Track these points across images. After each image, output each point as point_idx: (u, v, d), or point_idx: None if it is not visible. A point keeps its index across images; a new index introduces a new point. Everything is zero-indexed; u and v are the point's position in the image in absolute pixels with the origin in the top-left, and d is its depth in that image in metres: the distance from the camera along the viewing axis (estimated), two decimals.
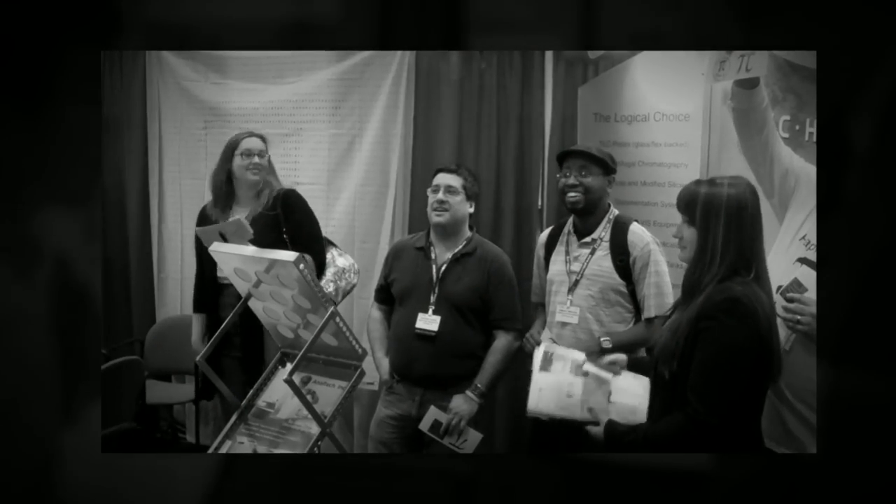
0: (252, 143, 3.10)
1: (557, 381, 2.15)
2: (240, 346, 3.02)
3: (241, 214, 3.03)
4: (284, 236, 3.01)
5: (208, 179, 3.29)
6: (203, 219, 3.18)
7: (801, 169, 2.30)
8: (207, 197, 4.13)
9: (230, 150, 3.12)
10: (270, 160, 3.17)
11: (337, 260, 3.24)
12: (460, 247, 2.84)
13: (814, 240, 2.14)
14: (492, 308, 2.80)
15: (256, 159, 3.07)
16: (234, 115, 4.04)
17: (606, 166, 2.68)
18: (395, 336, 2.88)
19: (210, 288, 3.12)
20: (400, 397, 2.84)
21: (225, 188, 3.12)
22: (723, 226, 1.82)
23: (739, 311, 1.77)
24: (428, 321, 2.76)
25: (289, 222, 3.05)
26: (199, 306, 3.24)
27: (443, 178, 2.84)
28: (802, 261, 2.16)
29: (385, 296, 2.96)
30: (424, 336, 2.76)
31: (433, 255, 2.84)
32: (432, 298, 2.78)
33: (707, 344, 1.78)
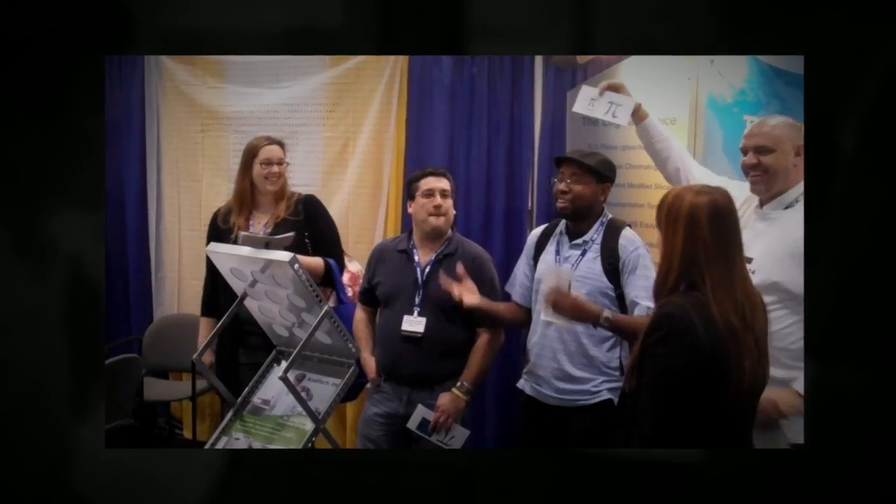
0: (271, 153, 3.05)
1: None
2: (263, 346, 2.90)
3: (261, 220, 3.05)
4: (306, 241, 3.01)
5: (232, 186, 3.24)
6: (214, 226, 3.14)
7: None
8: (205, 199, 4.23)
9: (250, 156, 3.07)
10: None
11: (349, 265, 3.26)
12: (442, 248, 2.85)
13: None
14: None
15: (275, 168, 3.04)
16: (230, 119, 4.12)
17: (600, 175, 2.66)
18: (380, 337, 2.89)
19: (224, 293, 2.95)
20: (387, 396, 2.85)
21: (249, 196, 3.09)
22: (681, 236, 1.76)
23: (671, 327, 1.71)
24: (413, 323, 2.77)
25: (312, 227, 3.04)
26: (208, 310, 3.18)
27: (436, 182, 2.85)
28: None
29: (369, 298, 2.97)
30: (410, 338, 2.78)
31: (416, 258, 2.85)
32: (417, 300, 2.80)
33: (649, 366, 1.73)
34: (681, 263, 1.76)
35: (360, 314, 3.01)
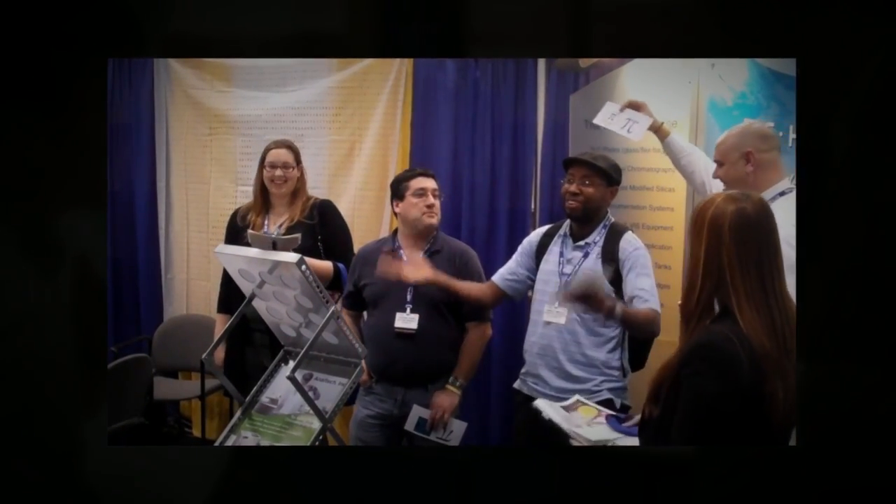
0: (276, 156, 3.10)
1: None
2: (269, 345, 3.00)
3: (277, 221, 3.10)
4: (319, 245, 3.05)
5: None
6: (233, 223, 3.21)
7: None
8: (213, 201, 4.28)
9: (261, 158, 3.14)
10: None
11: None
12: (428, 245, 2.90)
13: None
14: (464, 301, 2.85)
15: (279, 172, 3.07)
16: (238, 122, 4.17)
17: (610, 177, 2.69)
18: (372, 338, 2.89)
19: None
20: (379, 397, 2.89)
21: (261, 196, 3.16)
22: (703, 246, 1.58)
23: (713, 357, 1.55)
24: (406, 320, 2.81)
25: (324, 232, 3.08)
26: (224, 307, 3.23)
27: (428, 182, 2.89)
28: None
29: (355, 301, 3.00)
30: (404, 335, 2.82)
31: (403, 257, 2.88)
32: (409, 297, 2.83)
33: (686, 393, 1.57)
34: (704, 277, 1.58)
35: (345, 318, 3.03)
